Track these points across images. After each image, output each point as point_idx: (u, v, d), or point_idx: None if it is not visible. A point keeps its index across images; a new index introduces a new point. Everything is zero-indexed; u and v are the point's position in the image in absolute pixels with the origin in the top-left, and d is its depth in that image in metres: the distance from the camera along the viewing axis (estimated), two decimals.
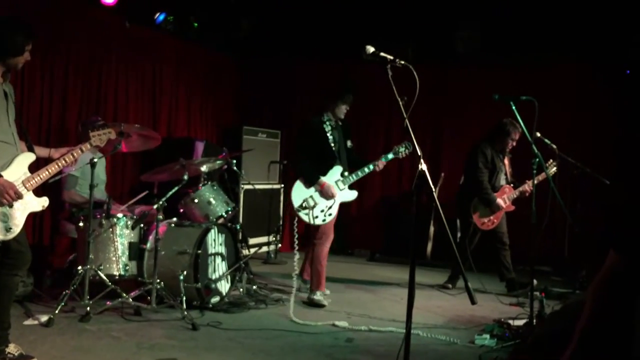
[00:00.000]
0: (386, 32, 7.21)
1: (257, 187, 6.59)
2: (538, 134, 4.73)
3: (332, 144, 5.34)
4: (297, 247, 5.14)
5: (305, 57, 8.30)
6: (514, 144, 6.01)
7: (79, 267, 4.45)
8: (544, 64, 7.34)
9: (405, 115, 2.50)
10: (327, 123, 5.37)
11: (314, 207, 5.12)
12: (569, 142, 6.23)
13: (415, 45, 7.46)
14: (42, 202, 3.54)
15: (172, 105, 7.48)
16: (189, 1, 7.06)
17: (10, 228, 3.31)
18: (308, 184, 5.17)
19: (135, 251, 4.81)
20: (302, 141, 5.40)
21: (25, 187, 3.39)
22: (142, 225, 4.86)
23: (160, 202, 4.61)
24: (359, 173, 5.35)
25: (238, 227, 5.55)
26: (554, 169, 5.80)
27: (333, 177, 5.26)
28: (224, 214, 5.26)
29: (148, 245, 4.81)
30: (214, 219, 5.16)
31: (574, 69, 7.35)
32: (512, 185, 6.11)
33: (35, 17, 5.35)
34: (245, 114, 8.61)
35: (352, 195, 5.42)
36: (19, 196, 3.29)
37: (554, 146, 5.33)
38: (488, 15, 7.06)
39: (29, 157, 3.47)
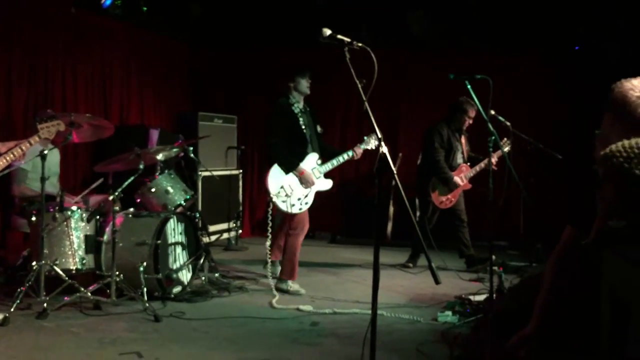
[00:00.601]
0: (340, 16, 7.16)
1: (215, 173, 6.50)
2: (492, 112, 4.81)
3: (304, 128, 5.14)
4: (269, 233, 5.06)
5: (259, 41, 8.18)
6: (471, 121, 6.11)
7: (34, 263, 4.31)
8: (498, 45, 7.46)
9: (364, 98, 2.48)
10: (296, 105, 5.16)
11: (290, 195, 4.95)
12: (523, 119, 6.35)
13: (369, 29, 7.46)
14: None
15: (123, 92, 7.28)
16: None
17: None
18: (286, 170, 4.98)
19: (92, 244, 4.69)
20: (275, 124, 5.11)
21: None
22: (98, 217, 4.74)
23: (116, 193, 4.49)
24: (335, 162, 5.17)
25: (197, 215, 5.47)
26: (508, 147, 5.91)
27: (309, 164, 5.09)
28: (182, 202, 5.17)
29: (105, 237, 4.70)
30: (173, 208, 5.08)
31: (525, 47, 7.48)
32: (468, 163, 6.21)
33: None
34: (200, 99, 8.46)
35: (328, 184, 5.24)
36: None
37: (508, 123, 5.43)
38: None
39: None
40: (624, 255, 2.03)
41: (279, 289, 5.02)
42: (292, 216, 5.06)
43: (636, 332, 1.93)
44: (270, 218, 5.06)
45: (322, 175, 5.17)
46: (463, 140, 6.24)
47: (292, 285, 5.10)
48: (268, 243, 5.12)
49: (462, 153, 6.23)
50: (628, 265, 1.99)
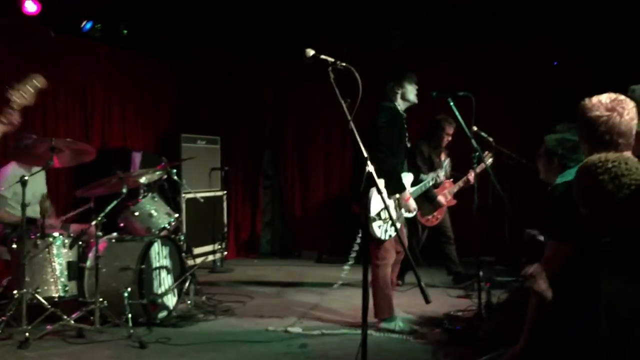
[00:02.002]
0: (320, 33, 7.20)
1: (199, 195, 6.44)
2: (475, 128, 4.83)
3: (408, 142, 4.53)
4: (351, 260, 4.70)
5: (241, 60, 8.19)
6: (449, 138, 6.14)
7: (15, 291, 4.21)
8: (479, 56, 7.54)
9: (349, 118, 2.47)
10: (402, 114, 4.48)
11: (387, 220, 4.28)
12: (504, 133, 6.40)
13: (350, 45, 7.50)
14: None
15: (105, 114, 7.21)
16: (116, 8, 6.81)
17: None
18: (394, 191, 4.35)
19: (75, 271, 4.60)
20: (390, 133, 4.33)
21: None
22: (80, 243, 4.66)
23: (99, 218, 4.42)
24: (423, 187, 4.80)
25: (182, 238, 5.41)
26: (490, 160, 5.94)
27: (407, 186, 4.53)
28: (166, 225, 5.10)
29: (88, 263, 4.61)
30: (157, 232, 5.01)
31: (508, 60, 7.58)
32: (452, 179, 6.23)
33: None
34: (183, 121, 8.41)
35: (415, 212, 4.64)
36: None
37: (491, 139, 5.45)
38: (421, 10, 7.17)
39: None
40: (622, 272, 2.04)
41: (384, 330, 4.40)
42: (380, 244, 4.39)
43: (636, 349, 1.92)
44: (358, 242, 4.53)
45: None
46: (443, 156, 6.26)
47: (398, 323, 4.45)
48: (346, 269, 4.77)
49: (443, 170, 6.26)
50: (627, 283, 1.99)
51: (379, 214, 4.24)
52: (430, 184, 5.02)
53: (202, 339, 4.26)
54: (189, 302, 5.13)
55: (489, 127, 5.08)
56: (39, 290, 4.35)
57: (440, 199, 6.00)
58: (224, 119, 8.46)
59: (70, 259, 4.60)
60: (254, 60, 8.13)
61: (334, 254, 7.84)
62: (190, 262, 5.54)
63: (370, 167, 2.38)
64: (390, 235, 4.38)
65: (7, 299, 4.39)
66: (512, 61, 7.56)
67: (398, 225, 4.45)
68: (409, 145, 4.70)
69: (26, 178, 4.20)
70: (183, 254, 5.19)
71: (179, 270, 5.06)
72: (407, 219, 4.72)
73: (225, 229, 7.77)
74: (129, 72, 7.59)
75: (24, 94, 3.34)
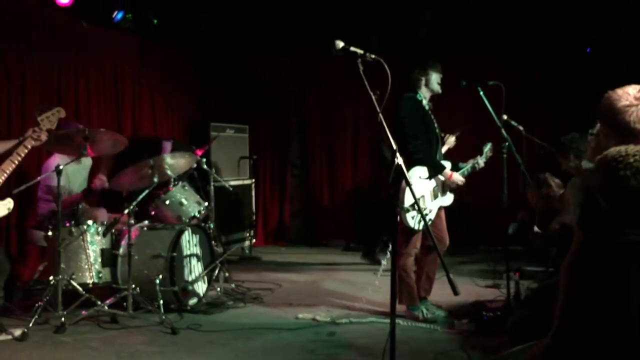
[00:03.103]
0: (348, 21, 7.19)
1: (228, 183, 6.51)
2: (505, 117, 4.77)
3: (437, 129, 4.53)
4: (388, 254, 4.69)
5: (268, 50, 8.22)
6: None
7: (51, 278, 4.33)
8: (504, 44, 7.45)
9: (378, 110, 2.48)
10: (425, 103, 4.47)
11: (423, 209, 4.29)
12: (533, 123, 6.32)
13: (378, 34, 7.48)
14: (7, 205, 3.43)
15: (135, 104, 7.33)
16: None
17: None
18: (434, 173, 4.38)
19: (108, 258, 4.71)
20: (413, 123, 4.33)
21: None
22: (113, 230, 4.76)
23: (131, 206, 4.51)
24: (465, 172, 4.56)
25: (211, 226, 5.48)
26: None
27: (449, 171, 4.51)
28: (196, 214, 5.18)
29: (121, 250, 4.72)
30: (187, 220, 5.09)
31: (532, 48, 7.47)
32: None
33: None
34: (212, 109, 8.50)
35: (450, 199, 4.63)
36: None
37: (521, 128, 5.38)
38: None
39: None
40: None
41: (412, 318, 4.44)
42: (411, 234, 4.40)
43: None
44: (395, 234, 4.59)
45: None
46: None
47: (424, 311, 4.48)
48: (383, 264, 4.82)
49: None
50: None
51: (413, 205, 4.17)
52: (470, 169, 4.79)
53: (232, 326, 4.34)
54: (218, 289, 5.21)
55: (515, 117, 5.02)
56: (74, 276, 4.47)
57: None
58: (253, 107, 8.52)
59: (104, 247, 4.71)
60: (281, 49, 8.14)
61: (361, 243, 7.87)
62: (219, 250, 5.63)
63: (399, 159, 2.39)
64: (423, 225, 4.30)
65: (43, 285, 4.53)
66: (537, 50, 7.45)
67: (433, 215, 4.45)
68: (440, 132, 4.70)
69: (61, 167, 4.30)
70: (213, 242, 5.27)
71: (209, 258, 5.14)
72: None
73: (254, 217, 7.85)
74: (158, 62, 7.69)
75: (50, 120, 3.79)
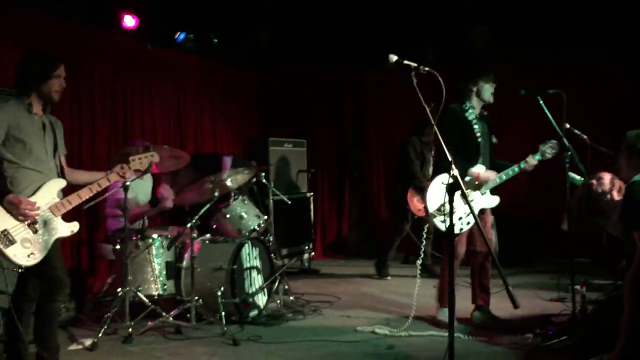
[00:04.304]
0: (403, 35, 7.20)
1: (287, 197, 6.60)
2: (567, 125, 4.65)
3: (478, 136, 4.61)
4: (420, 265, 4.80)
5: (325, 65, 8.32)
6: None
7: (119, 289, 4.52)
8: (563, 57, 7.28)
9: (432, 122, 2.49)
10: (470, 111, 4.62)
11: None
12: (601, 129, 6.13)
13: (434, 46, 7.46)
14: (72, 227, 3.55)
15: (197, 121, 7.57)
16: (208, 19, 7.14)
17: (32, 254, 3.34)
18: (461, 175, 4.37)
19: (172, 270, 4.87)
20: (443, 130, 4.62)
21: (53, 213, 3.45)
22: (177, 244, 4.92)
23: (194, 220, 4.65)
24: (503, 175, 4.58)
25: (271, 239, 5.58)
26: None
27: (478, 170, 4.61)
28: (256, 227, 5.29)
29: (184, 263, 4.87)
30: (247, 233, 5.20)
31: (594, 58, 7.26)
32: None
33: (59, 45, 5.47)
34: (270, 124, 8.66)
35: (494, 201, 4.68)
36: (34, 215, 3.34)
37: (585, 136, 5.22)
38: (503, 11, 7.02)
39: (59, 183, 3.54)
40: None
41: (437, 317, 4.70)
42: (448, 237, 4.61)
43: None
44: (424, 242, 4.77)
45: (487, 191, 4.65)
46: (432, 152, 6.51)
47: (443, 314, 4.64)
48: (418, 279, 4.81)
49: (433, 164, 6.44)
50: None
51: (439, 209, 4.32)
52: (515, 172, 4.66)
53: (291, 338, 4.39)
54: (278, 301, 5.28)
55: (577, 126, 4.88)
56: (140, 288, 4.64)
57: None
58: (310, 122, 8.64)
59: (168, 259, 4.87)
60: (338, 65, 8.23)
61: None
62: (279, 263, 5.71)
63: (454, 171, 2.39)
64: (460, 229, 4.41)
65: (112, 297, 4.72)
66: (598, 59, 7.22)
67: (471, 218, 4.40)
68: (495, 140, 4.79)
69: (128, 183, 4.48)
70: (272, 255, 5.36)
71: (269, 271, 5.22)
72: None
73: (313, 230, 7.91)
74: (218, 80, 7.92)
75: (142, 162, 3.85)
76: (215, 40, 7.40)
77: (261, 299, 5.06)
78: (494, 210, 5.21)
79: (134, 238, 4.76)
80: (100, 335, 4.23)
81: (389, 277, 6.38)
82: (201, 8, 6.79)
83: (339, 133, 8.77)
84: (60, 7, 5.61)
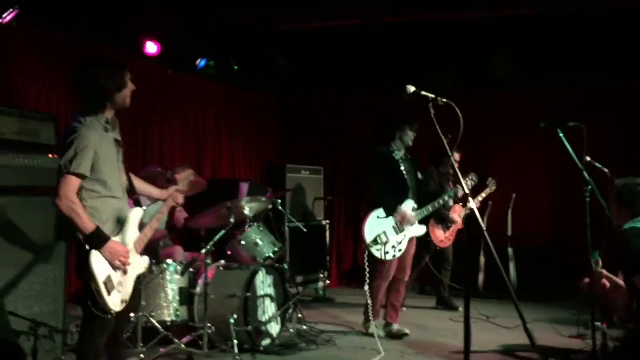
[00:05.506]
0: (422, 62, 7.23)
1: (303, 224, 6.57)
2: (588, 159, 4.59)
3: (405, 174, 5.29)
4: (367, 283, 5.11)
5: (343, 92, 8.37)
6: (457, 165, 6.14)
7: (132, 314, 4.49)
8: (585, 86, 7.23)
9: (449, 153, 2.46)
10: (396, 153, 5.33)
11: (386, 243, 5.06)
12: (619, 162, 6.05)
13: (452, 74, 7.46)
14: (144, 264, 3.30)
15: (215, 147, 7.61)
16: (229, 45, 7.23)
17: (125, 300, 3.09)
18: (389, 212, 5.10)
19: (186, 296, 4.84)
20: (376, 171, 5.28)
21: (137, 250, 3.21)
22: (191, 269, 4.90)
23: (209, 246, 4.64)
24: (430, 207, 5.28)
25: (286, 267, 5.53)
26: (494, 187, 6.33)
27: (406, 209, 5.21)
28: (271, 254, 5.25)
29: (198, 289, 4.84)
30: (262, 261, 5.16)
31: (614, 90, 7.21)
32: (460, 204, 6.48)
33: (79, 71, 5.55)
34: (287, 151, 8.69)
35: (421, 230, 5.33)
36: (128, 263, 3.08)
37: (606, 170, 5.15)
38: (524, 39, 7.02)
39: (139, 214, 3.28)
40: None
41: (365, 330, 5.30)
42: (381, 263, 5.16)
43: None
44: (367, 270, 5.04)
45: (416, 222, 5.26)
46: (450, 183, 6.57)
47: (371, 325, 5.21)
48: (367, 292, 5.13)
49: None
50: None
51: (375, 240, 5.01)
52: (440, 203, 5.37)
53: None
54: (291, 330, 5.22)
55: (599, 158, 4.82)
56: (153, 314, 4.61)
57: (453, 216, 6.35)
58: (327, 149, 8.64)
59: (182, 285, 4.85)
60: (355, 92, 8.27)
61: (435, 286, 7.69)
62: (293, 291, 5.65)
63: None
64: (393, 256, 5.11)
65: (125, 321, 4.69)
66: (622, 87, 7.16)
67: (404, 247, 5.15)
68: (420, 176, 5.52)
69: (144, 209, 4.48)
70: (287, 283, 5.31)
71: (283, 299, 5.17)
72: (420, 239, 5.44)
73: (328, 258, 7.85)
74: (238, 106, 7.99)
75: (185, 183, 3.66)
76: (236, 67, 7.48)
77: (274, 328, 5.00)
78: (512, 243, 6.25)
79: None
80: None
81: (405, 309, 6.30)
82: (222, 35, 6.88)
83: (355, 161, 8.75)
84: (82, 32, 5.70)
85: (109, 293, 2.98)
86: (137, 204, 3.39)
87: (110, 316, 3.01)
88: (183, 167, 3.89)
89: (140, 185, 3.51)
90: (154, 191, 3.58)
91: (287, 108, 8.83)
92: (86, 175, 3.01)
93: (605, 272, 4.33)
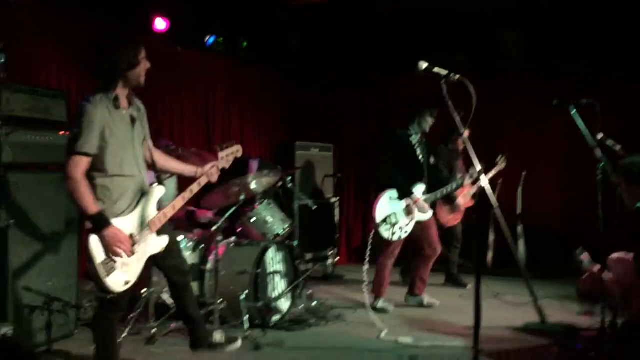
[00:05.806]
0: (433, 41, 7.14)
1: (312, 202, 6.59)
2: (601, 135, 4.54)
3: (420, 158, 5.36)
4: (367, 260, 5.15)
5: (354, 69, 8.30)
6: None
7: (143, 290, 4.54)
8: (597, 65, 7.13)
9: (461, 131, 2.45)
10: (414, 136, 5.37)
11: (395, 224, 5.15)
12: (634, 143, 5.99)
13: (465, 52, 7.38)
14: (161, 244, 3.26)
15: (225, 124, 7.61)
16: (238, 22, 7.18)
17: (129, 281, 3.11)
18: (403, 195, 5.18)
19: (197, 272, 4.88)
20: (390, 153, 5.34)
21: (150, 229, 3.20)
22: (202, 246, 4.93)
23: (219, 223, 4.66)
24: (439, 193, 5.35)
25: (295, 244, 5.56)
26: (504, 164, 6.27)
27: (417, 193, 5.29)
28: (281, 231, 5.28)
29: (208, 266, 4.88)
30: (272, 237, 5.19)
31: (626, 70, 7.09)
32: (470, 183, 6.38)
33: (90, 48, 5.54)
34: (297, 129, 8.67)
35: (429, 214, 5.38)
36: (128, 254, 3.05)
37: (618, 147, 5.10)
38: (536, 17, 6.92)
39: (158, 192, 3.23)
40: None
41: (374, 308, 5.27)
42: (388, 243, 5.29)
43: None
44: (370, 247, 5.09)
45: (428, 207, 5.34)
46: (460, 160, 6.55)
47: (381, 303, 5.41)
48: (366, 268, 5.09)
49: (462, 172, 6.40)
50: None
51: (384, 220, 5.07)
52: (452, 188, 5.42)
53: (314, 344, 4.36)
54: (301, 306, 5.26)
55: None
56: (164, 290, 4.65)
57: (459, 200, 6.34)
58: (336, 127, 8.61)
59: (193, 261, 4.89)
60: (364, 70, 8.20)
61: (442, 263, 7.70)
62: (303, 267, 5.69)
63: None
64: (399, 237, 5.20)
65: (136, 297, 4.74)
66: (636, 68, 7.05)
67: (410, 228, 5.24)
68: (432, 161, 5.50)
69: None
70: (296, 260, 5.34)
71: (292, 275, 5.20)
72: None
73: (337, 235, 7.88)
74: (247, 83, 7.95)
75: (228, 159, 3.63)
76: (245, 44, 7.44)
77: (284, 304, 5.05)
78: (522, 220, 6.48)
79: None
80: (124, 335, 4.25)
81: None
82: (231, 11, 6.83)
83: (365, 139, 8.72)
84: (92, 9, 5.68)
85: (108, 274, 2.98)
86: (160, 182, 3.35)
87: (110, 296, 3.02)
88: (229, 143, 3.76)
89: (164, 161, 3.46)
90: (184, 168, 3.50)
91: (297, 85, 8.78)
92: (92, 154, 3.00)
93: (597, 266, 4.28)
